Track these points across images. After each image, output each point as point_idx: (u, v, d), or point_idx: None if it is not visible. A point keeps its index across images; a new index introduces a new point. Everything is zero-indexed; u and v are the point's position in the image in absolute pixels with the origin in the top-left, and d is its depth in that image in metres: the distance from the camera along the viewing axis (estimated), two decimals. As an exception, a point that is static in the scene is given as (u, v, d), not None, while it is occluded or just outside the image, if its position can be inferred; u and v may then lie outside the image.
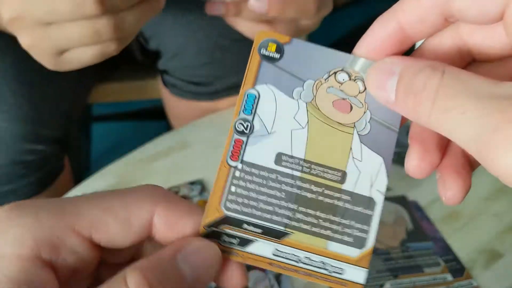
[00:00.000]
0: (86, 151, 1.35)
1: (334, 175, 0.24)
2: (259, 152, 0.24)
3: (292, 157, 0.24)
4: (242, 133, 0.24)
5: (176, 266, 0.21)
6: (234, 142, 0.24)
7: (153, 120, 1.41)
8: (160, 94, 0.81)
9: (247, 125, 0.24)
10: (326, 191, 0.24)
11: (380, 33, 0.24)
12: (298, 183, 0.24)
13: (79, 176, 1.04)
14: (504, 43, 0.23)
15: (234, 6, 0.47)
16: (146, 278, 0.20)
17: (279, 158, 0.24)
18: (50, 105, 0.66)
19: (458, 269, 0.48)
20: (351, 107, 0.25)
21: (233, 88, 0.70)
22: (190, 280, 0.21)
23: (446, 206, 0.54)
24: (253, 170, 0.24)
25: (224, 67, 0.69)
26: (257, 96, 0.25)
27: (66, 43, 0.39)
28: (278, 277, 0.46)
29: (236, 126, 0.24)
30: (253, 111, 0.25)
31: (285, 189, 0.24)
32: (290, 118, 0.25)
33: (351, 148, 0.25)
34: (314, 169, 0.24)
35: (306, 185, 0.24)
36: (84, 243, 0.22)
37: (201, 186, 0.57)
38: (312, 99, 0.25)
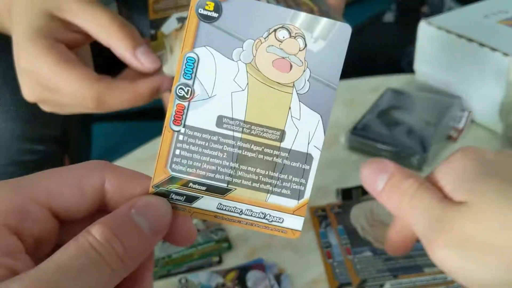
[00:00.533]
0: (86, 151, 1.35)
1: (273, 134, 0.25)
2: (201, 116, 0.25)
3: (232, 119, 0.25)
4: (183, 97, 0.25)
5: (132, 219, 0.23)
6: (176, 107, 0.25)
7: (153, 120, 1.40)
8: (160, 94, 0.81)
9: (188, 90, 0.25)
10: (266, 150, 0.26)
11: None
12: (239, 143, 0.25)
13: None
14: None
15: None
16: (109, 227, 0.22)
17: (220, 120, 0.25)
18: None
19: (458, 269, 0.48)
20: (291, 66, 0.25)
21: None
22: (147, 231, 0.23)
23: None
24: (196, 134, 0.25)
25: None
26: (197, 60, 0.24)
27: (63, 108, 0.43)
28: (278, 277, 0.46)
29: (177, 92, 0.25)
30: (193, 75, 0.25)
31: (226, 149, 0.25)
32: (230, 80, 0.25)
33: (290, 108, 0.25)
34: (254, 129, 0.25)
35: (247, 145, 0.25)
36: (45, 211, 0.23)
37: (201, 186, 0.57)
38: (252, 60, 0.25)
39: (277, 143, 0.26)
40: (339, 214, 0.52)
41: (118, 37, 0.40)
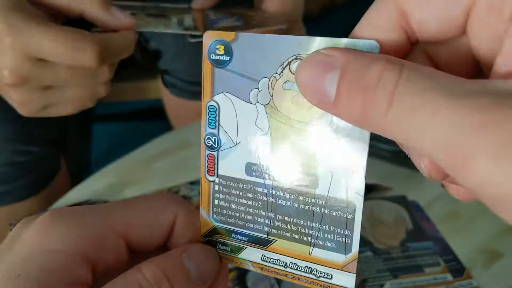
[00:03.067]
0: (86, 152, 1.35)
1: (304, 179, 0.23)
2: (231, 165, 0.24)
3: (260, 165, 0.24)
4: (212, 147, 0.24)
5: (182, 262, 0.23)
6: (207, 157, 0.24)
7: (153, 120, 1.40)
8: (160, 94, 0.81)
9: (214, 139, 0.24)
10: (300, 197, 0.23)
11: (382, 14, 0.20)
12: (272, 191, 0.24)
13: (79, 177, 1.04)
14: (454, 24, 0.19)
15: None
16: (159, 267, 0.22)
17: (249, 168, 0.24)
18: None
19: (458, 269, 0.48)
20: None
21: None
22: (194, 276, 0.23)
23: (446, 206, 0.54)
24: (229, 183, 0.24)
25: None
26: (217, 107, 0.24)
27: (58, 102, 0.43)
28: (278, 277, 0.46)
29: (206, 142, 0.24)
30: (217, 124, 0.24)
31: (260, 198, 0.24)
32: (252, 125, 0.23)
33: (319, 148, 0.23)
34: (284, 175, 0.23)
35: (279, 193, 0.24)
36: (122, 243, 0.24)
37: (201, 186, 0.57)
38: (270, 100, 0.23)
39: (311, 190, 0.23)
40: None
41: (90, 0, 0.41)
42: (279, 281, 0.46)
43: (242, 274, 0.46)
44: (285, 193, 0.24)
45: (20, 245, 0.22)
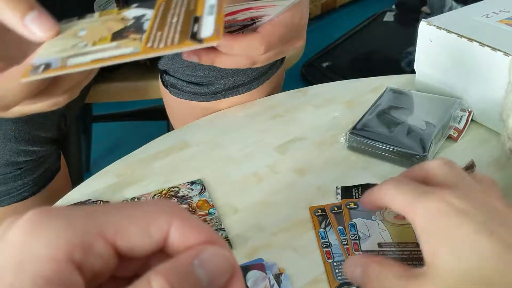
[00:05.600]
0: (86, 151, 1.35)
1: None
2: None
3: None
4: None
5: (193, 271, 0.23)
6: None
7: (153, 120, 1.40)
8: (161, 94, 0.81)
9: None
10: None
11: None
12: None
13: (79, 177, 1.04)
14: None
15: (205, 54, 0.48)
16: (168, 281, 0.22)
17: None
18: None
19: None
20: None
21: (233, 89, 0.70)
22: (205, 284, 0.23)
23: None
24: None
25: (224, 68, 0.69)
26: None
27: (18, 107, 0.40)
28: (278, 277, 0.46)
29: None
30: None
31: None
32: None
33: None
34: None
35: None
36: (110, 248, 0.23)
37: (201, 186, 0.57)
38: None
39: None
40: (338, 214, 0.52)
41: (7, 5, 0.35)
42: (278, 281, 0.46)
43: (242, 274, 0.46)
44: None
45: (6, 247, 0.22)
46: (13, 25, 0.35)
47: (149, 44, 0.32)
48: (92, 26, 0.37)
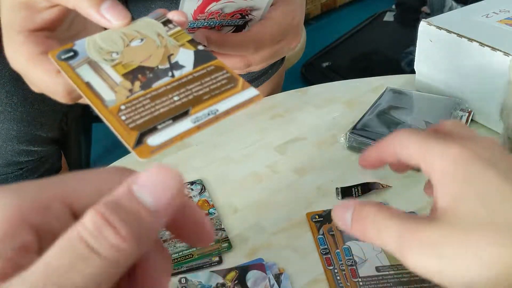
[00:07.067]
0: (86, 151, 1.35)
1: None
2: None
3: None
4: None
5: (135, 196, 0.21)
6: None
7: (153, 120, 1.40)
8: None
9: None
10: None
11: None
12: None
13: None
14: None
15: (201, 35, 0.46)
16: (100, 212, 0.20)
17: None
18: (45, 105, 0.66)
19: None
20: None
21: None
22: (152, 207, 0.21)
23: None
24: None
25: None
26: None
27: None
28: (278, 277, 0.46)
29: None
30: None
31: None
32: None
33: None
34: None
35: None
36: (67, 210, 0.23)
37: (201, 186, 0.57)
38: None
39: None
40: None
41: None
42: (278, 281, 0.46)
43: (242, 274, 0.46)
44: None
45: None
46: (89, 14, 0.37)
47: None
48: (139, 44, 0.35)
